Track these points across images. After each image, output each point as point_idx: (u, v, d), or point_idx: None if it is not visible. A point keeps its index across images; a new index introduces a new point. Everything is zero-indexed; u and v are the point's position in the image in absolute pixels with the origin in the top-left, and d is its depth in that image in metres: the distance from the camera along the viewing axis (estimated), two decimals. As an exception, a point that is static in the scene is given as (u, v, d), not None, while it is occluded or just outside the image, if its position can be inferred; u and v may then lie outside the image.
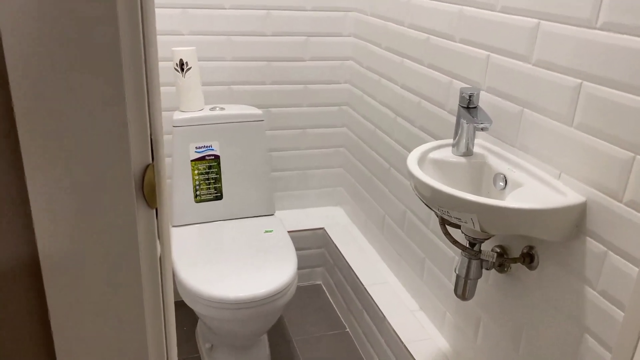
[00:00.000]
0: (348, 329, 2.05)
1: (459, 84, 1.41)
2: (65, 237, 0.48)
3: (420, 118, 1.63)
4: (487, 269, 1.27)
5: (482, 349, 1.40)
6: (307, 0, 2.01)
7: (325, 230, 2.24)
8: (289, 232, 2.19)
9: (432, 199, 1.10)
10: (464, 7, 1.37)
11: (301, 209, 2.37)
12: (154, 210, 0.51)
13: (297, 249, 2.24)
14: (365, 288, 1.85)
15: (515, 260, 1.21)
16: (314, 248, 2.28)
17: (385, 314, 1.70)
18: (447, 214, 1.09)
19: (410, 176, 1.17)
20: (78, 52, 0.44)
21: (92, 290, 0.51)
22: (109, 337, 0.54)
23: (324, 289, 2.30)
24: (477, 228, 1.05)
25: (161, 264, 0.55)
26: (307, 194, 2.36)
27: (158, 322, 0.57)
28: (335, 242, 2.14)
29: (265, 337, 1.89)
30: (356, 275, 1.92)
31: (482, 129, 1.17)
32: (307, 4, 2.02)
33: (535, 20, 1.13)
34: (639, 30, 0.89)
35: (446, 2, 1.44)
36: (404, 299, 1.79)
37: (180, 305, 2.04)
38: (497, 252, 1.23)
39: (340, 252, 2.08)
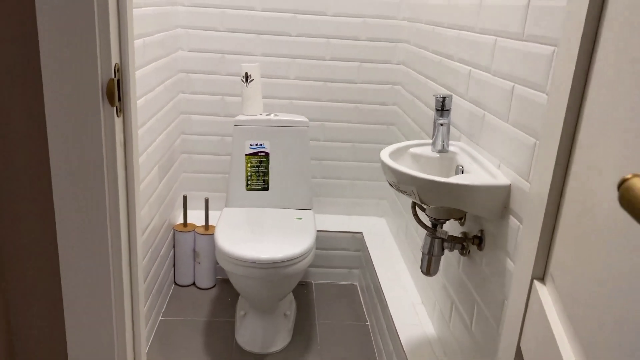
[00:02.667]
0: (368, 323, 2.24)
1: (455, 97, 1.63)
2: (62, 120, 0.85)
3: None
4: (449, 250, 1.45)
5: (453, 330, 1.55)
6: (362, 32, 2.35)
7: (362, 235, 2.48)
8: (331, 231, 2.47)
9: (388, 174, 1.34)
10: (461, 32, 1.60)
11: (347, 215, 2.64)
12: (114, 108, 0.87)
13: (337, 249, 2.50)
14: (380, 284, 2.05)
15: (467, 241, 1.38)
16: (352, 250, 2.52)
17: (391, 309, 1.89)
18: (398, 188, 1.32)
19: (380, 162, 1.42)
20: None
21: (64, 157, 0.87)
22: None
23: (358, 289, 2.52)
24: (417, 199, 1.27)
25: (125, 148, 0.90)
26: (353, 202, 2.62)
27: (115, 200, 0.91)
28: (369, 247, 2.37)
29: (291, 314, 2.17)
30: (377, 275, 2.13)
31: (441, 125, 1.39)
32: (362, 35, 2.36)
33: (493, 38, 1.35)
34: (549, 40, 1.09)
35: (450, 28, 1.68)
36: (411, 294, 1.96)
37: (229, 283, 2.40)
38: (451, 234, 1.41)
39: (370, 254, 2.31)
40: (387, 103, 2.47)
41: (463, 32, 1.59)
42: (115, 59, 0.86)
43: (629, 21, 0.67)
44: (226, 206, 2.26)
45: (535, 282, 0.86)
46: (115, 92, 0.86)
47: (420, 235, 2.00)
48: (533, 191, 0.92)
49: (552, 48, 1.06)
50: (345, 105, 2.47)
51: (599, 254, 0.65)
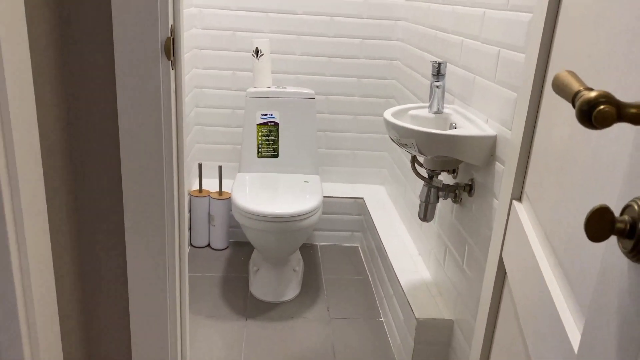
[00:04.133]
0: (369, 277, 2.46)
1: (449, 65, 1.82)
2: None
3: (428, 97, 2.05)
4: (443, 198, 1.66)
5: (447, 271, 1.76)
6: (364, 10, 2.53)
7: (364, 200, 2.69)
8: (334, 197, 2.67)
9: (391, 131, 1.54)
10: (455, 7, 1.79)
11: (349, 184, 2.84)
12: (170, 63, 1.05)
13: (340, 214, 2.71)
14: (382, 241, 2.26)
15: (459, 189, 1.59)
16: (354, 214, 2.73)
17: (391, 259, 2.10)
18: (399, 142, 1.52)
19: (383, 119, 1.62)
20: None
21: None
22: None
23: (360, 250, 2.73)
24: (417, 149, 1.47)
25: (176, 94, 1.09)
26: (355, 171, 2.82)
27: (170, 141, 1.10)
28: (369, 209, 2.58)
29: (299, 269, 2.37)
30: (378, 233, 2.33)
31: (437, 87, 1.59)
32: (363, 13, 2.54)
33: (482, 10, 1.54)
34: (527, 7, 1.28)
35: (445, 4, 1.87)
36: (410, 248, 2.17)
37: (241, 244, 2.60)
38: (445, 183, 1.61)
39: (371, 217, 2.51)
40: (387, 77, 2.66)
41: (456, 6, 1.78)
42: (171, 21, 1.04)
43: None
44: (239, 172, 2.45)
45: (514, 201, 1.06)
46: (171, 48, 1.05)
47: (416, 197, 2.21)
48: (514, 134, 1.12)
49: (529, 15, 1.25)
50: (347, 79, 2.65)
51: (558, 173, 0.85)
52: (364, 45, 2.60)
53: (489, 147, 1.42)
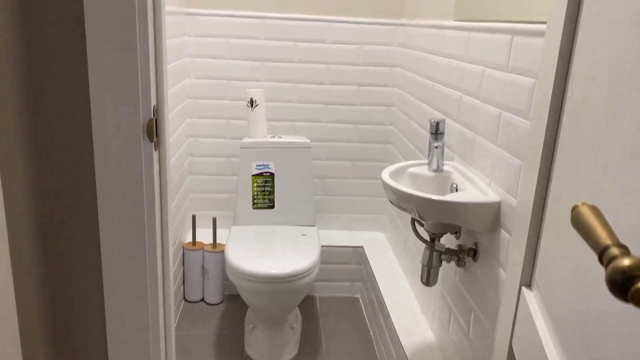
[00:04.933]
0: (371, 333, 2.36)
1: (448, 121, 1.77)
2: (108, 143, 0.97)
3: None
4: (446, 262, 1.58)
5: (452, 336, 1.67)
6: (359, 57, 2.50)
7: (363, 248, 2.60)
8: (332, 246, 2.59)
9: (389, 193, 1.47)
10: (451, 60, 1.75)
11: (348, 230, 2.76)
12: (153, 144, 0.99)
13: (339, 263, 2.62)
14: (382, 295, 2.17)
15: (462, 253, 1.51)
16: (354, 264, 2.64)
17: (393, 318, 2.01)
18: (399, 205, 1.45)
19: (381, 181, 1.55)
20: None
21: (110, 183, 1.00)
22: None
23: (360, 301, 2.63)
24: (417, 215, 1.40)
25: (160, 177, 1.03)
26: (354, 217, 2.75)
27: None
28: (370, 259, 2.49)
29: (298, 326, 2.28)
30: (378, 287, 2.24)
31: (436, 147, 1.53)
32: (359, 61, 2.51)
33: (481, 68, 1.49)
34: (530, 73, 1.23)
35: (443, 57, 1.83)
36: (412, 304, 2.08)
37: (237, 298, 2.51)
38: (448, 247, 1.54)
39: (371, 267, 2.43)
40: (384, 123, 2.61)
41: (453, 60, 1.74)
42: (153, 101, 0.99)
43: (594, 61, 0.80)
44: (234, 224, 2.38)
45: (523, 288, 0.99)
46: (154, 130, 0.99)
47: (418, 249, 2.13)
48: (520, 207, 1.05)
49: (532, 80, 1.20)
50: (344, 125, 2.60)
51: (574, 262, 0.78)
52: (360, 92, 2.56)
53: (492, 214, 1.35)
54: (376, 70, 2.53)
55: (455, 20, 1.75)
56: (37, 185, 0.99)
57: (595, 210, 0.44)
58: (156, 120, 1.00)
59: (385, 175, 1.55)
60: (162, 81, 1.00)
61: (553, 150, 0.96)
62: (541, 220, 0.98)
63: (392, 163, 2.61)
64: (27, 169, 0.96)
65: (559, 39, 0.93)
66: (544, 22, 1.15)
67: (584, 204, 0.46)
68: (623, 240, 0.59)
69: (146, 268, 1.05)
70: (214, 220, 2.43)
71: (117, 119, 0.96)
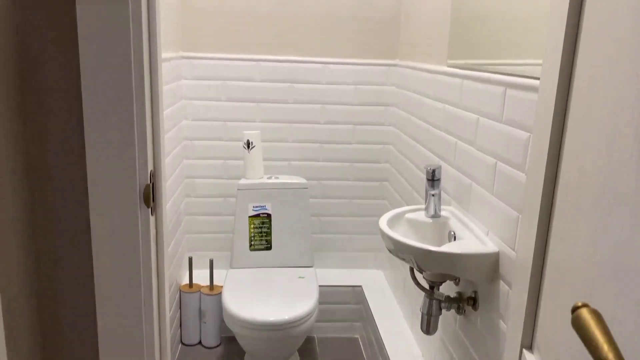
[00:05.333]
0: (371, 376, 2.32)
1: (444, 165, 1.78)
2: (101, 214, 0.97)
3: (424, 192, 1.99)
4: (446, 310, 1.56)
5: (452, 385, 1.64)
6: (354, 97, 2.52)
7: (362, 288, 2.58)
8: (330, 286, 2.56)
9: (387, 242, 1.46)
10: (446, 105, 1.77)
11: (346, 269, 2.75)
12: (150, 209, 0.99)
13: (338, 303, 2.60)
14: (382, 338, 2.14)
15: (462, 301, 1.50)
16: (353, 303, 2.61)
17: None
18: (397, 255, 1.44)
19: (379, 229, 1.55)
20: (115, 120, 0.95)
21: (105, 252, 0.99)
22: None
23: (360, 342, 2.60)
24: (415, 265, 1.39)
25: (157, 240, 1.02)
26: (351, 255, 2.73)
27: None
28: (368, 299, 2.47)
29: (295, 370, 2.24)
30: (378, 329, 2.22)
31: (433, 195, 1.53)
32: (354, 100, 2.53)
33: (476, 116, 1.50)
34: (525, 127, 1.24)
35: (437, 101, 1.85)
36: (412, 348, 2.05)
37: (234, 340, 2.48)
38: (448, 295, 1.53)
39: (370, 308, 2.40)
40: (380, 161, 2.62)
41: (447, 105, 1.75)
42: (150, 167, 0.99)
43: (588, 116, 0.81)
44: (231, 267, 2.36)
45: (525, 351, 0.97)
46: (151, 196, 0.98)
47: (418, 289, 2.11)
48: (518, 263, 1.05)
49: (527, 134, 1.21)
50: (340, 164, 2.61)
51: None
52: (355, 131, 2.57)
53: (491, 265, 1.35)
54: (371, 109, 2.55)
55: (449, 67, 1.77)
56: (32, 248, 0.99)
57: (596, 317, 0.44)
58: (153, 185, 1.00)
59: (383, 223, 1.54)
60: (159, 146, 1.00)
61: (551, 207, 0.96)
62: (541, 278, 0.98)
63: (388, 200, 2.61)
64: (23, 232, 0.95)
65: (553, 98, 0.93)
66: (537, 78, 1.16)
67: (584, 305, 0.46)
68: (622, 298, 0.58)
69: (142, 331, 1.03)
70: (211, 262, 2.41)
71: (114, 184, 0.95)
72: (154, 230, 1.02)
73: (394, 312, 2.33)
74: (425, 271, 1.42)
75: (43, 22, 0.94)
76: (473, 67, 1.56)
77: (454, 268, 1.35)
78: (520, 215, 1.24)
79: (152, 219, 1.01)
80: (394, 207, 2.52)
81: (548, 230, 0.94)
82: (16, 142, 0.93)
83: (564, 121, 0.90)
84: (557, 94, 0.87)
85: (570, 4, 0.85)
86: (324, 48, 2.47)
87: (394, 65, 2.50)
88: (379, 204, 2.67)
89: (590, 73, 0.82)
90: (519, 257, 1.05)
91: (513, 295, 1.07)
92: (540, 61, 1.18)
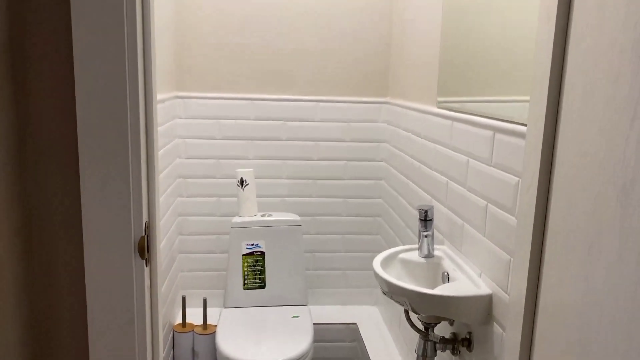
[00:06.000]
0: (367, 416, 2.28)
1: (435, 203, 1.80)
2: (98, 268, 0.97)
3: (416, 228, 2.00)
4: (441, 351, 1.56)
5: None
6: (346, 134, 2.56)
7: (357, 325, 2.56)
8: (325, 324, 2.54)
9: (382, 284, 1.47)
10: (437, 145, 1.80)
11: (340, 305, 2.73)
12: (144, 260, 0.99)
13: (332, 341, 2.57)
14: (377, 375, 2.12)
15: (457, 343, 1.49)
16: (348, 341, 2.59)
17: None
18: (391, 297, 1.45)
19: (373, 271, 1.55)
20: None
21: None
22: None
23: (355, 380, 2.56)
24: (409, 308, 1.39)
25: (151, 291, 1.02)
26: (346, 292, 2.72)
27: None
28: (364, 337, 2.45)
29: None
30: (373, 365, 2.20)
31: (426, 236, 1.54)
32: (346, 137, 2.56)
33: (466, 158, 1.53)
34: (513, 171, 1.26)
35: (428, 141, 1.88)
36: (407, 387, 2.03)
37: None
38: (443, 337, 1.52)
39: (365, 346, 2.38)
40: (373, 196, 2.64)
41: (438, 145, 1.78)
42: (145, 217, 1.00)
43: (574, 164, 0.83)
44: (224, 307, 2.34)
45: (520, 398, 0.97)
46: (145, 248, 0.99)
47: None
48: (511, 307, 1.05)
49: (516, 179, 1.23)
50: (334, 200, 2.63)
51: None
52: (348, 167, 2.60)
53: (484, 307, 1.35)
54: (363, 145, 2.58)
55: (439, 107, 1.81)
56: (26, 303, 0.98)
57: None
58: (147, 237, 1.00)
59: (377, 265, 1.55)
60: (154, 197, 1.01)
61: (541, 251, 0.98)
62: (533, 321, 0.98)
63: (382, 236, 2.61)
64: (17, 279, 0.95)
65: (539, 147, 0.96)
66: (524, 124, 1.19)
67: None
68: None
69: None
70: (204, 301, 2.39)
71: (108, 236, 0.96)
72: (148, 281, 1.03)
73: (389, 350, 2.31)
74: (419, 313, 1.42)
75: (42, 87, 0.96)
76: (461, 105, 1.59)
77: (447, 311, 1.36)
78: (511, 258, 1.25)
79: (146, 270, 1.01)
80: (387, 243, 2.52)
81: (539, 273, 0.95)
82: (12, 196, 0.94)
83: (550, 169, 0.93)
84: (543, 143, 0.90)
85: (552, 67, 0.89)
86: (316, 87, 2.51)
87: (386, 102, 2.54)
88: (373, 240, 2.68)
89: (576, 125, 0.84)
90: (512, 300, 1.05)
91: (507, 338, 1.07)
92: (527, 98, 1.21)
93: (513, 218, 1.24)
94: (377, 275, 1.49)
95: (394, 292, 1.42)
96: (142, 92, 0.99)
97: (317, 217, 2.63)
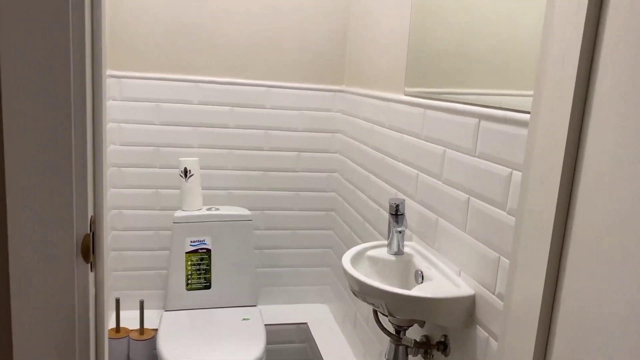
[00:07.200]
0: (320, 422, 2.15)
1: (402, 196, 1.69)
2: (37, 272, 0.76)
3: (378, 224, 1.89)
4: (413, 355, 1.45)
5: None
6: (299, 123, 2.40)
7: (308, 325, 2.43)
8: (274, 324, 2.38)
9: (356, 287, 1.33)
10: (404, 135, 1.69)
11: (290, 304, 2.58)
12: (89, 265, 0.79)
13: (281, 342, 2.42)
14: (333, 379, 2.00)
15: (431, 347, 1.39)
16: (298, 342, 2.45)
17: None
18: (365, 300, 1.32)
19: (343, 270, 1.42)
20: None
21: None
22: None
23: (305, 383, 2.43)
24: (387, 312, 1.27)
25: (97, 302, 0.82)
26: (296, 290, 2.58)
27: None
28: (315, 337, 2.32)
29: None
30: (327, 368, 2.07)
31: (399, 232, 1.43)
32: (299, 126, 2.41)
33: (443, 148, 1.43)
34: (505, 162, 1.17)
35: (394, 131, 1.77)
36: (366, 391, 1.92)
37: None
38: (416, 340, 1.42)
39: (317, 346, 2.25)
40: (326, 190, 2.51)
41: (406, 135, 1.67)
42: (91, 211, 0.79)
43: (612, 155, 0.73)
44: (165, 309, 2.12)
45: (528, 414, 0.87)
46: (91, 248, 0.79)
47: (368, 322, 1.99)
48: (511, 313, 0.95)
49: (507, 170, 1.14)
50: (285, 193, 2.47)
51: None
52: (301, 158, 2.45)
53: (466, 308, 1.25)
54: (317, 135, 2.44)
55: (407, 95, 1.70)
56: None
57: None
58: (93, 234, 0.80)
59: (347, 263, 1.41)
60: (102, 185, 0.81)
61: (560, 255, 0.87)
62: (549, 330, 0.89)
63: (335, 231, 2.49)
64: None
65: (562, 135, 0.84)
66: (522, 111, 1.09)
67: None
68: None
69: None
70: (141, 303, 2.16)
71: (42, 236, 0.75)
72: (94, 289, 0.82)
73: (342, 351, 2.20)
74: (395, 316, 1.31)
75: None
76: (433, 96, 1.49)
77: (427, 313, 1.25)
78: (500, 257, 1.15)
79: (91, 276, 0.81)
80: (341, 238, 2.40)
81: (557, 278, 0.85)
82: None
83: (576, 161, 0.82)
84: (569, 131, 0.79)
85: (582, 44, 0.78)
86: (268, 71, 2.34)
87: (340, 91, 2.42)
88: (325, 235, 2.55)
89: (615, 110, 0.74)
90: (512, 305, 0.95)
91: (505, 344, 0.97)
92: (512, 92, 1.12)
93: (503, 213, 1.15)
94: (348, 275, 1.36)
95: (367, 294, 1.29)
96: (90, 63, 0.79)
97: (266, 211, 2.46)
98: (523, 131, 1.08)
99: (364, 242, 2.07)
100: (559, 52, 0.82)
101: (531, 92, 1.12)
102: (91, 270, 0.81)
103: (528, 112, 1.08)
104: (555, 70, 0.83)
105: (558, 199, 0.81)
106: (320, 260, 2.57)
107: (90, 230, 0.79)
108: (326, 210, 2.53)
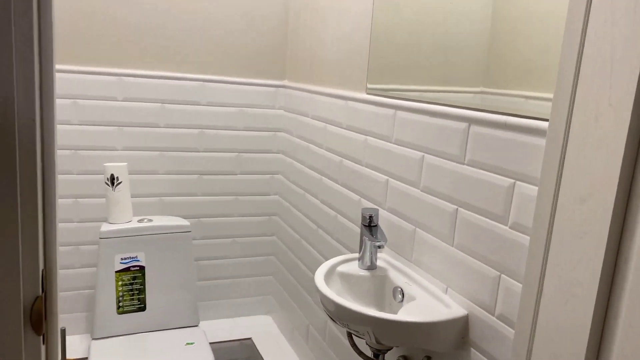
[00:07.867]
0: None
1: (367, 203, 1.56)
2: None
3: (337, 231, 1.76)
4: (392, 379, 1.34)
5: None
6: (238, 121, 2.20)
7: (252, 340, 2.24)
8: (216, 342, 2.17)
9: (335, 312, 1.19)
10: (368, 137, 1.56)
11: (231, 318, 2.38)
12: (41, 337, 0.58)
13: (224, 361, 2.22)
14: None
15: (415, 370, 1.29)
16: None
17: None
18: (347, 327, 1.18)
19: (317, 290, 1.26)
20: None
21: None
22: None
23: (251, 402, 2.25)
24: (373, 341, 1.14)
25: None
26: (237, 302, 2.38)
27: None
28: (261, 353, 2.14)
29: None
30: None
31: (378, 247, 1.30)
32: (239, 124, 2.20)
33: (421, 154, 1.32)
34: (501, 169, 1.07)
35: (355, 132, 1.64)
36: (326, 411, 1.79)
37: None
38: (399, 363, 1.31)
39: (266, 363, 2.08)
40: (269, 193, 2.33)
41: (370, 138, 1.55)
42: (41, 265, 0.57)
43: None
44: (93, 337, 1.84)
45: None
46: (43, 314, 0.57)
47: (323, 335, 1.86)
48: (518, 337, 0.86)
49: (510, 181, 1.04)
50: (223, 198, 2.25)
51: None
52: (240, 159, 2.24)
53: (460, 330, 1.16)
54: (258, 135, 2.25)
55: (369, 93, 1.58)
56: None
57: None
58: (45, 298, 0.58)
59: (322, 284, 1.26)
60: (52, 230, 0.59)
61: (612, 281, 0.79)
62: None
63: (278, 236, 2.32)
64: None
65: (620, 142, 0.75)
66: (539, 119, 1.00)
67: None
68: None
69: None
70: (63, 332, 1.85)
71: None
72: (44, 369, 0.60)
73: (295, 368, 2.05)
74: (384, 345, 1.18)
75: None
76: (403, 95, 1.37)
77: (418, 339, 1.13)
78: (502, 275, 1.06)
79: (43, 349, 0.59)
80: (286, 244, 2.24)
81: (608, 306, 0.76)
82: None
83: (634, 173, 0.73)
84: (628, 135, 0.70)
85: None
86: (202, 64, 2.10)
87: (282, 86, 2.24)
88: (268, 241, 2.37)
89: None
90: (537, 333, 0.86)
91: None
92: (512, 91, 1.03)
93: (505, 227, 1.05)
94: (327, 300, 1.21)
95: (353, 321, 1.15)
96: (37, 61, 0.57)
97: (203, 219, 2.24)
98: (527, 138, 0.99)
99: (316, 250, 1.93)
100: (606, 52, 0.72)
101: (535, 94, 1.04)
102: (43, 343, 0.59)
103: (534, 118, 1.00)
104: (600, 71, 0.73)
105: (612, 221, 0.72)
106: (262, 269, 2.39)
107: (43, 290, 0.57)
108: (269, 215, 2.35)
